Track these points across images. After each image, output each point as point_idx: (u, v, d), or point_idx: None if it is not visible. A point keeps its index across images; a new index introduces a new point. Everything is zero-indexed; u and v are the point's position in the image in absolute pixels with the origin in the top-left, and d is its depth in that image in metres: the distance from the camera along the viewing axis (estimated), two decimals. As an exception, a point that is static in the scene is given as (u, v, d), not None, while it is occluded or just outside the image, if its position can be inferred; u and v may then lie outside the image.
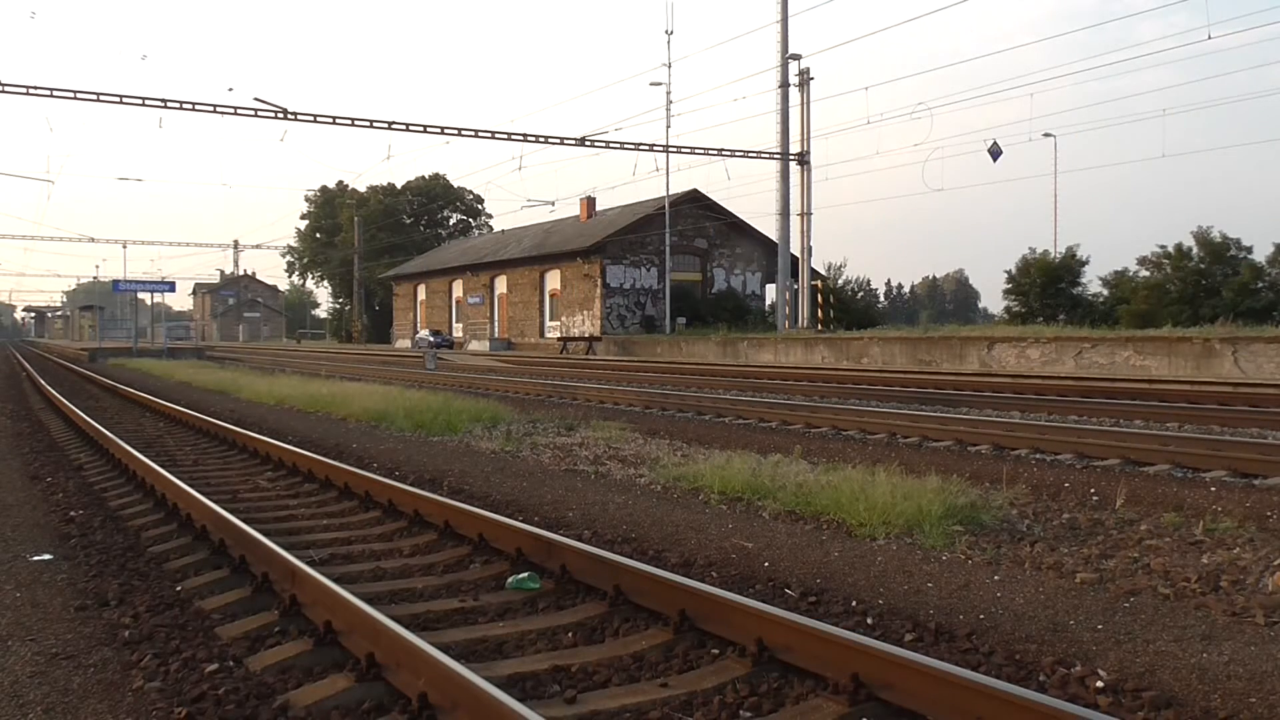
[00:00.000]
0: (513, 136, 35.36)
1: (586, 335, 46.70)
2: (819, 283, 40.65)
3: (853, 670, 3.41)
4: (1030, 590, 4.86)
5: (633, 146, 37.70)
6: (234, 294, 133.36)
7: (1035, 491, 7.41)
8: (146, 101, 30.75)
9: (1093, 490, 7.37)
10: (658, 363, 32.56)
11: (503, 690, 3.17)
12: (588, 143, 36.13)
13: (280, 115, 31.70)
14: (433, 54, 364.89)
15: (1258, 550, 5.47)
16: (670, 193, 45.13)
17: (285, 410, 16.05)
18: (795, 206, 38.42)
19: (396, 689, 3.56)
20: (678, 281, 48.79)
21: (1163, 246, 40.52)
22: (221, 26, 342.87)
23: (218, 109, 31.74)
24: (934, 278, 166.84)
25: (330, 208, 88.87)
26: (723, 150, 38.62)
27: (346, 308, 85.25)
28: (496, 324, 56.98)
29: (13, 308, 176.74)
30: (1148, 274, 40.84)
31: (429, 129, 34.26)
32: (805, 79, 37.64)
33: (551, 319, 52.37)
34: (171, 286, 62.62)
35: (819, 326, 37.97)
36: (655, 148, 39.19)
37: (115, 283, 60.10)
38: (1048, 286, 40.85)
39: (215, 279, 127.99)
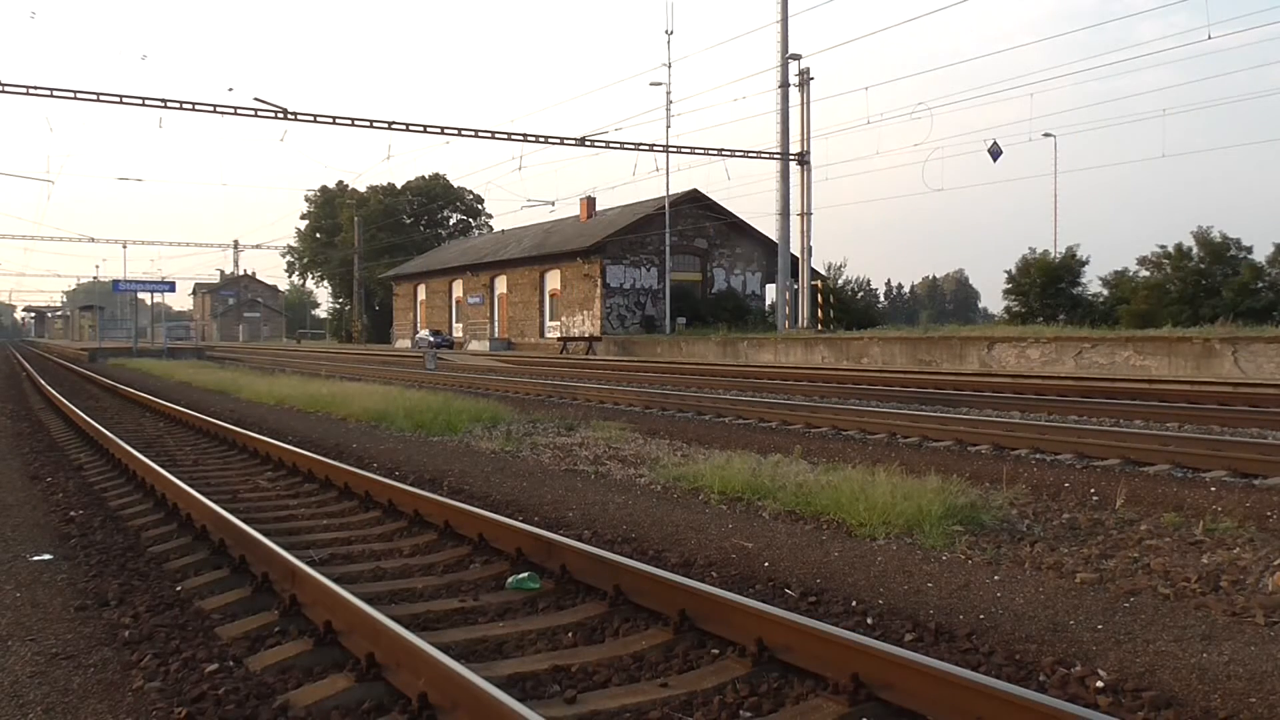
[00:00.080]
0: (513, 136, 35.39)
1: (586, 335, 46.70)
2: (819, 283, 40.66)
3: (853, 670, 3.41)
4: (1030, 590, 4.86)
5: (633, 146, 37.75)
6: (234, 294, 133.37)
7: (1035, 491, 7.41)
8: (146, 101, 30.76)
9: (1093, 490, 7.37)
10: (658, 363, 32.56)
11: (503, 690, 3.16)
12: (588, 143, 36.14)
13: (280, 115, 31.71)
14: (433, 54, 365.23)
15: (1258, 550, 5.47)
16: (670, 193, 45.14)
17: (285, 410, 16.05)
18: (795, 206, 38.48)
19: (396, 689, 3.56)
20: (678, 281, 48.80)
21: (1163, 246, 40.61)
22: (221, 26, 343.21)
23: (218, 109, 31.75)
24: (934, 278, 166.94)
25: (330, 208, 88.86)
26: (723, 150, 38.67)
27: (346, 308, 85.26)
28: (496, 324, 56.98)
29: (13, 308, 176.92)
30: (1148, 274, 40.86)
31: (429, 129, 34.28)
32: (805, 79, 37.65)
33: (551, 319, 52.38)
34: (171, 286, 62.67)
35: (819, 326, 37.97)
36: (655, 148, 39.22)
37: (115, 283, 60.13)
38: (1048, 286, 40.85)
39: (215, 279, 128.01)
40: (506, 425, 12.41)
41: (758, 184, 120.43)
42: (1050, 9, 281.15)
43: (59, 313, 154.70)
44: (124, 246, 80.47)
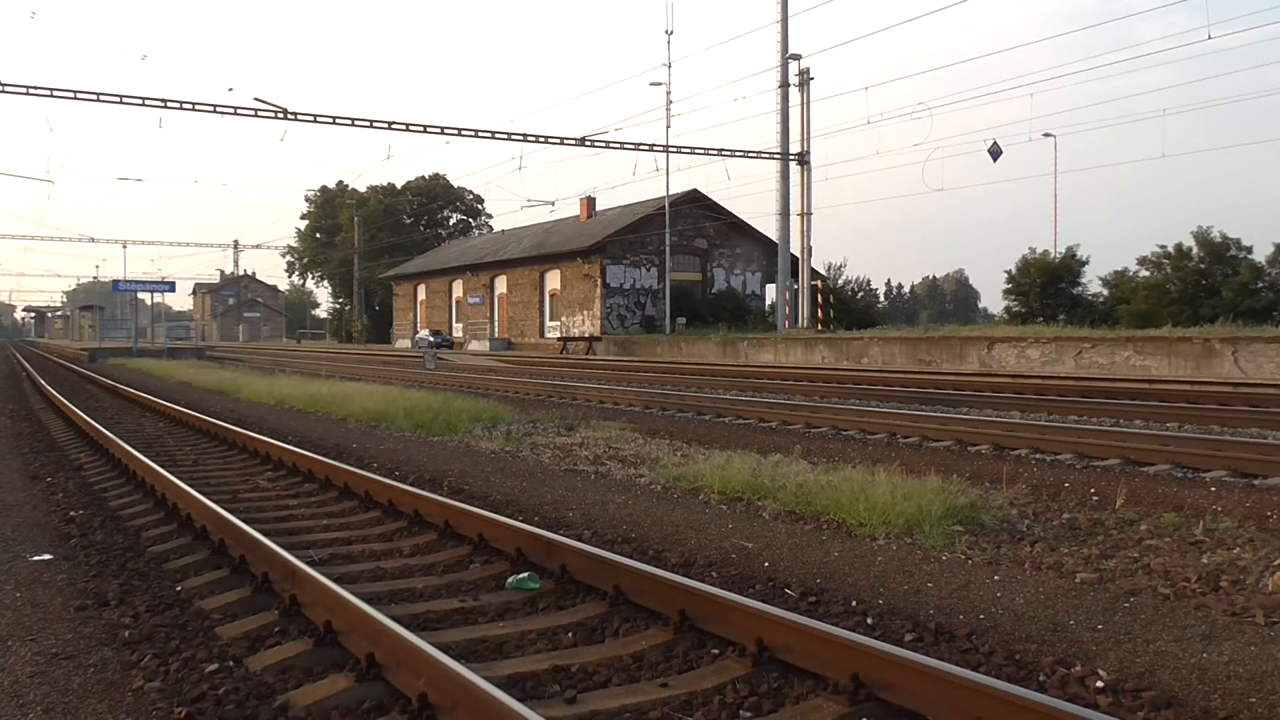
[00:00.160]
0: (513, 136, 35.39)
1: (586, 335, 46.70)
2: (819, 283, 40.66)
3: (853, 670, 3.41)
4: (1030, 590, 4.86)
5: (633, 146, 37.76)
6: (234, 294, 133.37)
7: (1035, 491, 7.41)
8: (146, 101, 30.76)
9: (1093, 490, 7.37)
10: (658, 363, 32.56)
11: (503, 690, 3.16)
12: (588, 143, 36.14)
13: (280, 115, 31.71)
14: (433, 54, 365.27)
15: (1258, 550, 5.47)
16: (670, 193, 45.14)
17: (285, 410, 16.05)
18: (795, 206, 38.49)
19: (396, 689, 3.56)
20: (678, 281, 48.80)
21: (1163, 246, 40.61)
22: (221, 26, 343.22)
23: (218, 109, 31.75)
24: (934, 278, 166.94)
25: (330, 208, 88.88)
26: (723, 150, 38.68)
27: (346, 308, 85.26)
28: (496, 324, 56.98)
29: (13, 308, 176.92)
30: (1148, 274, 40.86)
31: (429, 129, 34.28)
32: (805, 79, 37.65)
33: (551, 319, 52.38)
34: (171, 286, 62.67)
35: (819, 326, 37.98)
36: (655, 148, 39.23)
37: (115, 283, 60.13)
38: (1048, 286, 40.85)
39: (215, 279, 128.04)
40: (506, 425, 12.41)
41: (758, 184, 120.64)
42: (1050, 9, 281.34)
43: (59, 313, 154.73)
44: (124, 246, 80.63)
